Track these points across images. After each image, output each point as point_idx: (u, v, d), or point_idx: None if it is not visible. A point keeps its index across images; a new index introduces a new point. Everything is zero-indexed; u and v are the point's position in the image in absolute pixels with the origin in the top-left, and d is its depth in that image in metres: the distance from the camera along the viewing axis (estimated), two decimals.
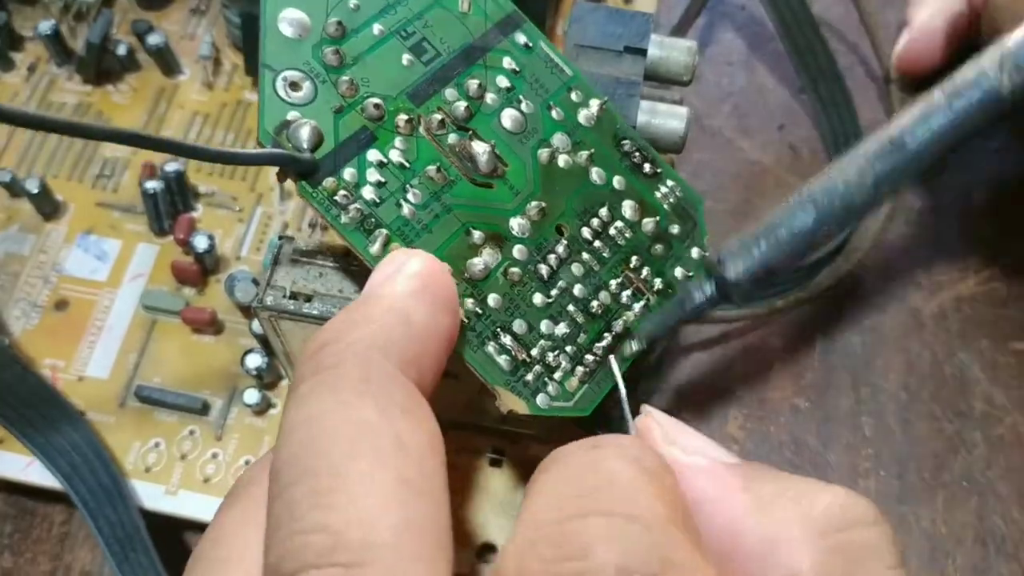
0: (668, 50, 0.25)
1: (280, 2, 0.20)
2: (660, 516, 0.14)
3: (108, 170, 0.33)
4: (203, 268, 0.31)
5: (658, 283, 0.23)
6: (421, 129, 0.21)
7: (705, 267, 0.22)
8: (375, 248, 0.19)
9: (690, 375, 0.32)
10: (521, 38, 0.23)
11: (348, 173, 0.20)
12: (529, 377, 0.20)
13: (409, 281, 0.18)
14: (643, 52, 0.25)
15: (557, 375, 0.21)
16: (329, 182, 0.20)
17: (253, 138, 0.34)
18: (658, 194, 0.23)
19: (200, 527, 0.28)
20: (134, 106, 0.34)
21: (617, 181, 0.23)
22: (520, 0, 0.23)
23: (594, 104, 0.23)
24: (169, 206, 0.31)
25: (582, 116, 0.23)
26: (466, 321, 0.20)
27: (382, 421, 0.15)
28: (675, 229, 0.23)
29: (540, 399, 0.20)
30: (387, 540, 0.14)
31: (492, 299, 0.20)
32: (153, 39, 0.34)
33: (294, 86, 0.20)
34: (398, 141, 0.20)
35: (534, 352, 0.21)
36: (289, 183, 0.20)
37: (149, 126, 0.34)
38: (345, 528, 0.14)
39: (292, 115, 0.20)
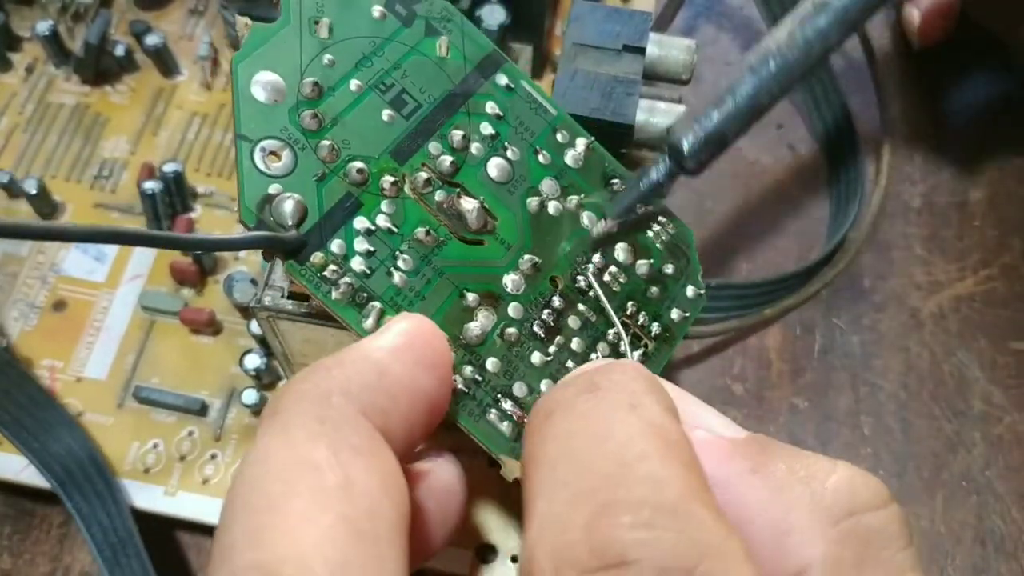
0: (667, 49, 0.25)
1: (252, 65, 0.19)
2: (684, 496, 0.14)
3: (106, 171, 0.33)
4: (201, 268, 0.31)
5: (655, 328, 0.22)
6: (407, 189, 0.20)
7: (663, 142, 0.22)
8: (369, 323, 0.19)
9: (689, 375, 0.32)
10: (503, 79, 0.22)
11: (336, 245, 0.19)
12: None
13: (394, 337, 0.17)
14: (642, 51, 0.25)
15: None
16: (317, 257, 0.19)
17: None
18: (650, 232, 0.23)
19: (199, 528, 0.28)
20: (132, 107, 0.34)
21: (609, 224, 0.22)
22: (520, 0, 0.23)
23: (580, 144, 0.22)
24: (167, 207, 0.31)
25: (569, 157, 0.22)
26: (466, 390, 0.19)
27: (330, 461, 0.15)
28: (669, 268, 0.23)
29: None
30: None
31: (491, 363, 0.20)
32: (151, 40, 0.34)
33: (273, 156, 0.19)
34: (384, 205, 0.20)
35: None
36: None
37: (147, 127, 0.34)
38: (279, 566, 0.13)
39: (273, 188, 0.19)
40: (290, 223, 0.19)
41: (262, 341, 0.29)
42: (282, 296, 0.22)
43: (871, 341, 0.32)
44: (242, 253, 0.31)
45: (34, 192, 0.31)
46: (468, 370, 0.20)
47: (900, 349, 0.32)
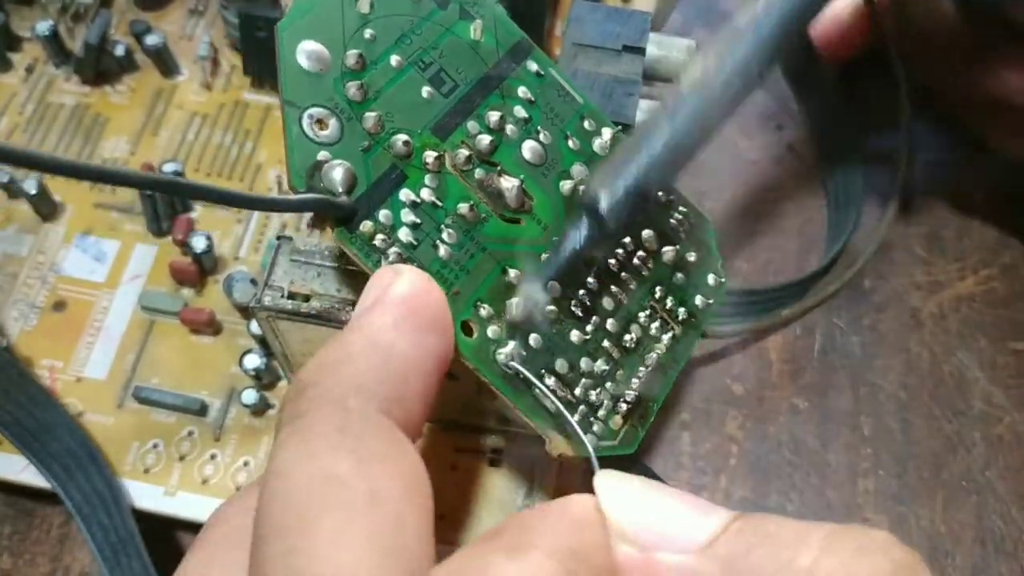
0: (667, 49, 0.25)
1: (297, 33, 0.19)
2: None
3: None
4: (201, 268, 0.30)
5: (682, 312, 0.23)
6: (448, 165, 0.20)
7: (578, 203, 0.21)
8: None
9: (689, 375, 0.32)
10: (533, 66, 0.22)
11: (383, 215, 0.19)
12: (575, 418, 0.20)
13: (394, 309, 0.17)
14: (642, 51, 0.25)
15: (601, 413, 0.21)
16: (366, 226, 0.19)
17: (252, 139, 0.34)
18: (672, 221, 0.23)
19: (199, 528, 0.28)
20: (132, 107, 0.34)
21: None
22: (520, 0, 0.23)
23: (607, 133, 0.23)
24: (167, 207, 0.31)
25: (596, 145, 0.22)
26: (514, 367, 0.19)
27: (355, 474, 0.14)
28: (692, 256, 0.23)
29: (588, 440, 0.20)
30: None
31: (533, 340, 0.20)
32: (151, 40, 0.34)
33: (320, 124, 0.19)
34: (427, 179, 0.20)
35: (577, 392, 0.20)
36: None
37: (147, 127, 0.34)
38: None
39: (322, 155, 0.19)
40: (340, 190, 0.19)
41: (262, 341, 0.29)
42: (282, 296, 0.22)
43: (871, 341, 0.32)
44: (242, 252, 0.31)
45: (34, 192, 0.31)
46: (512, 345, 0.20)
47: (900, 349, 0.32)
